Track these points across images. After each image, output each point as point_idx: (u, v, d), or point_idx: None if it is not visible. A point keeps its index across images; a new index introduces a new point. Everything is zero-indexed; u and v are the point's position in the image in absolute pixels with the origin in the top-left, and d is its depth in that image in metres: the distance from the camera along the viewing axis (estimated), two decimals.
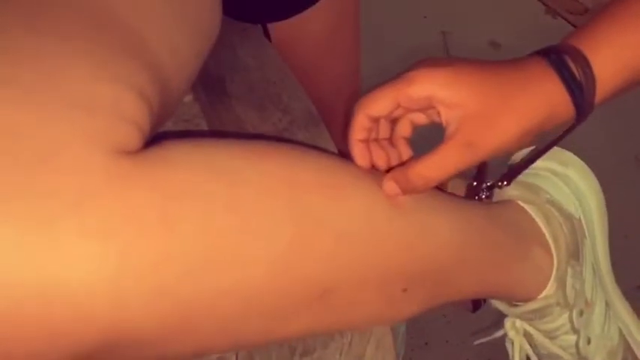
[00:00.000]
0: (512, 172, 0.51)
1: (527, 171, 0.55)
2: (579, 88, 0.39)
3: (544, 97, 0.39)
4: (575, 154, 0.56)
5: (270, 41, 0.69)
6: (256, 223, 0.33)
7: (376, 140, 0.44)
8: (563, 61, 0.40)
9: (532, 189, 0.53)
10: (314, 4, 0.69)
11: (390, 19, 1.56)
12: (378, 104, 0.40)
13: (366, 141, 0.43)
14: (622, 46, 0.40)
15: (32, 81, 0.29)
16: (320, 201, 0.37)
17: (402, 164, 0.43)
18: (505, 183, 0.51)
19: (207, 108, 0.56)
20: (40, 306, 0.27)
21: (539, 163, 0.55)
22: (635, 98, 1.35)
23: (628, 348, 0.56)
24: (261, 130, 0.56)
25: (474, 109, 0.38)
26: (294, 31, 0.71)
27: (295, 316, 0.37)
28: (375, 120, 0.42)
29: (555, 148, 0.55)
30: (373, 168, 0.43)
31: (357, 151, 0.42)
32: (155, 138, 0.33)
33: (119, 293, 0.29)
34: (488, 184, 0.51)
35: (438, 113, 0.40)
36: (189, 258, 0.31)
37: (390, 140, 0.44)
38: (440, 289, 0.45)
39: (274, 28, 0.70)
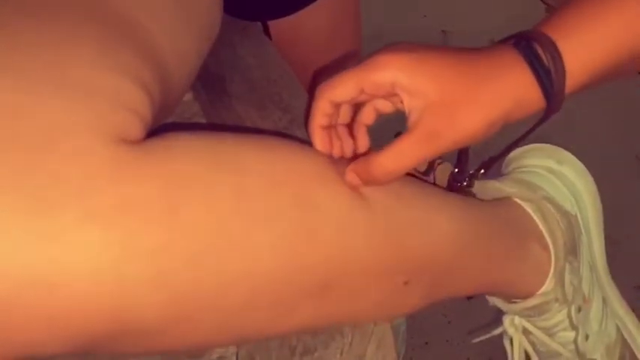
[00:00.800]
0: (488, 162, 0.50)
1: (523, 169, 0.55)
2: (548, 75, 0.38)
3: (511, 86, 0.38)
4: (575, 153, 0.56)
5: (271, 39, 0.70)
6: (258, 211, 0.34)
7: (334, 127, 0.42)
8: (531, 48, 0.38)
9: (529, 186, 0.53)
10: (313, 1, 0.69)
11: (390, 18, 1.56)
12: (341, 89, 0.39)
13: (327, 127, 0.41)
14: (592, 33, 0.38)
15: (33, 69, 0.29)
16: (321, 192, 0.37)
17: (358, 155, 0.41)
18: (482, 172, 0.50)
19: (207, 107, 0.56)
20: (40, 293, 0.27)
21: (535, 161, 0.55)
22: (636, 98, 1.35)
23: (626, 344, 0.56)
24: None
25: (437, 97, 0.37)
26: (295, 29, 0.71)
27: (297, 307, 0.37)
28: (337, 105, 0.41)
29: (552, 146, 0.55)
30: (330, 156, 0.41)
31: (318, 138, 0.41)
32: (156, 131, 0.33)
33: (121, 281, 0.29)
34: (471, 172, 0.50)
35: (401, 101, 0.38)
36: (192, 246, 0.31)
37: (349, 127, 0.43)
38: (440, 285, 0.45)
39: (274, 25, 0.70)
